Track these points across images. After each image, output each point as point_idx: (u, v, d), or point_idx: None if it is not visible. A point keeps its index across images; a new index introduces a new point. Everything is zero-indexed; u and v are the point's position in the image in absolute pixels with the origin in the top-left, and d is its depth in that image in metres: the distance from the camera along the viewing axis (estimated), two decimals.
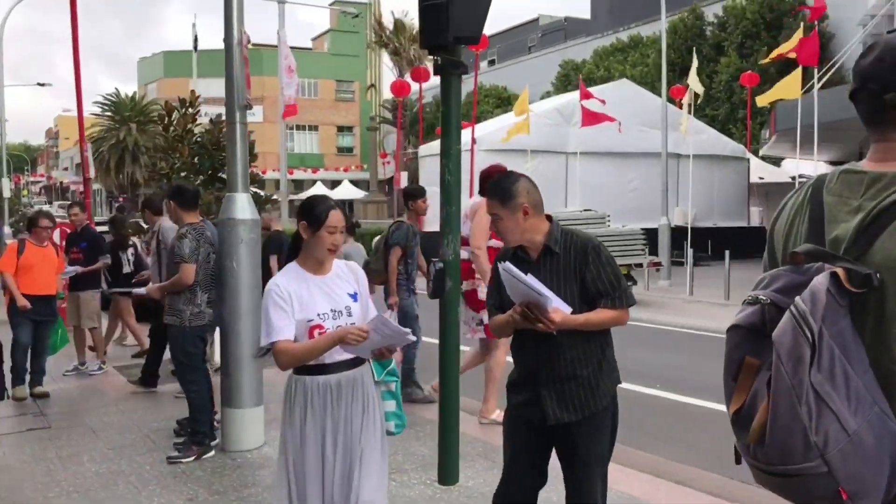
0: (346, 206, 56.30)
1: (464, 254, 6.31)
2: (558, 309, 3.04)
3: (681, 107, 22.93)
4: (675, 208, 20.94)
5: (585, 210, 16.19)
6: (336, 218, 3.10)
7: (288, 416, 3.08)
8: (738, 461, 1.68)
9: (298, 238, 3.18)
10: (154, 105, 46.74)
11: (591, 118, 18.58)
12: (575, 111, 20.35)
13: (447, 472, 4.85)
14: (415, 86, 26.34)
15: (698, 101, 21.04)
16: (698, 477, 5.06)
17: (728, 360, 1.62)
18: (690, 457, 5.68)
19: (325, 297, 3.09)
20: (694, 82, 18.43)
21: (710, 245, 20.70)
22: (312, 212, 3.13)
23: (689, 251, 16.33)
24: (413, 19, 46.21)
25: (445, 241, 4.73)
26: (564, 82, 39.56)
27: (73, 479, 5.19)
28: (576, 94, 20.43)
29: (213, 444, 5.70)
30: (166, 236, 6.63)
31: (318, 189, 53.43)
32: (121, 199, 47.18)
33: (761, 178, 27.14)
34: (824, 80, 17.66)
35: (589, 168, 19.23)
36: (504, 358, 6.26)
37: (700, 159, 20.97)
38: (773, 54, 15.65)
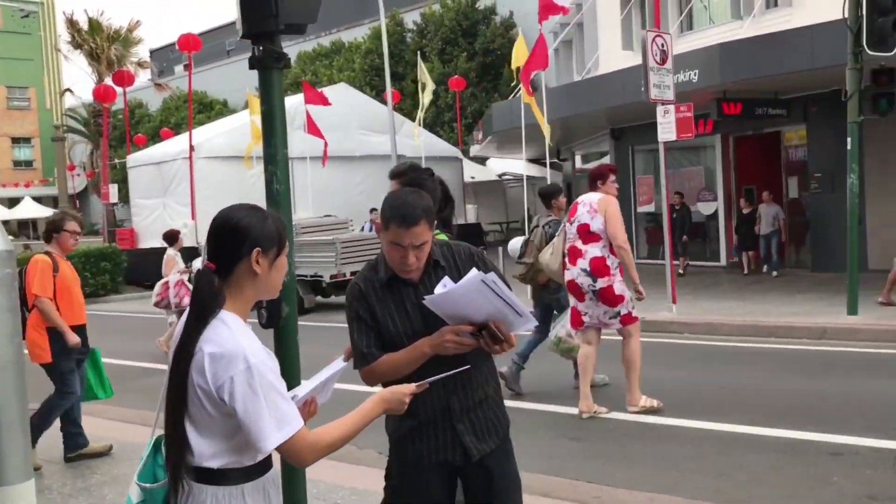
0: (31, 225, 50.58)
1: (595, 251, 6.29)
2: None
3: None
4: None
5: (327, 216, 15.84)
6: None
7: None
8: None
9: (209, 277, 2.07)
10: None
11: (313, 128, 18.37)
12: (297, 115, 19.86)
13: None
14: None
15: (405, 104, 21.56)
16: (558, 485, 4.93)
17: None
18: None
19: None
20: (429, 88, 18.89)
21: None
22: (270, 232, 2.12)
23: None
24: (110, 19, 42.33)
25: None
26: None
27: None
28: (298, 98, 19.92)
29: None
30: None
31: None
32: None
33: (473, 178, 28.63)
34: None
35: (316, 172, 18.87)
36: (639, 343, 6.47)
37: (423, 160, 21.55)
38: (515, 74, 16.16)
